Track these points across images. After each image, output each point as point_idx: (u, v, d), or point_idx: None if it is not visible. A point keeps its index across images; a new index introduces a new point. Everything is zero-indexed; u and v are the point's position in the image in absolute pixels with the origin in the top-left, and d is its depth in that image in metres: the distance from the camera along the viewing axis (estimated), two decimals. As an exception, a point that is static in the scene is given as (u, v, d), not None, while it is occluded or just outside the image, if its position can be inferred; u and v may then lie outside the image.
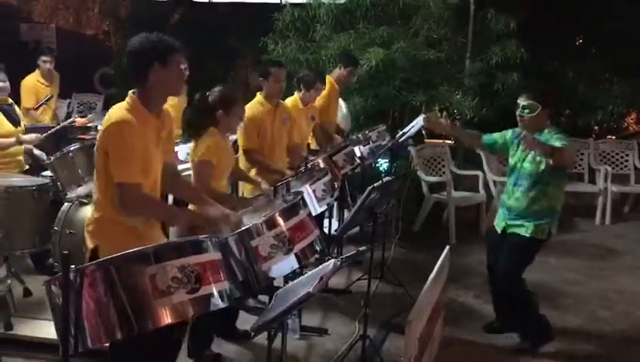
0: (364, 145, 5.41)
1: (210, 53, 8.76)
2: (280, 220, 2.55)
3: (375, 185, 3.55)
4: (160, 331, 2.01)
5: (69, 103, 9.41)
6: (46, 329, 3.30)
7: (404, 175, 4.99)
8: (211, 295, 2.04)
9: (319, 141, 5.38)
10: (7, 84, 4.74)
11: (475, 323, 4.21)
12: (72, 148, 4.28)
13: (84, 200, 4.13)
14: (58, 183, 4.24)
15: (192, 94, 3.56)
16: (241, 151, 4.22)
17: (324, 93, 5.25)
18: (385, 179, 3.79)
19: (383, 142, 5.61)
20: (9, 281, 3.70)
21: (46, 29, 10.81)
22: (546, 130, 3.69)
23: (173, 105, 3.98)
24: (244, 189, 4.18)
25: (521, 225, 3.74)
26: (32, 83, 6.46)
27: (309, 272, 2.43)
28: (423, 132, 7.01)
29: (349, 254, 2.49)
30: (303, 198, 2.87)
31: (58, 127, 5.39)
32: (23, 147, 4.71)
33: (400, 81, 6.64)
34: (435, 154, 6.82)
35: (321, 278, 2.04)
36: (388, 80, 6.61)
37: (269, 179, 3.90)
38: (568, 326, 4.24)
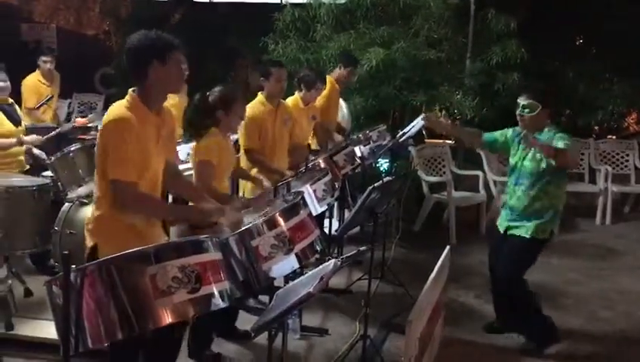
0: (364, 145, 5.41)
1: (211, 53, 8.76)
2: (280, 220, 2.56)
3: (375, 185, 3.55)
4: (160, 331, 2.01)
5: (70, 103, 9.39)
6: (47, 330, 3.30)
7: (405, 175, 4.99)
8: (212, 295, 2.03)
9: (320, 140, 5.38)
10: (8, 83, 4.74)
11: (475, 324, 4.21)
12: (72, 149, 4.28)
13: (85, 201, 4.12)
14: (59, 183, 4.24)
15: (192, 94, 3.56)
16: (242, 151, 4.23)
17: (324, 92, 5.24)
18: (385, 179, 3.79)
19: (384, 142, 5.61)
20: (10, 281, 3.71)
21: (47, 29, 10.80)
22: (546, 129, 3.69)
23: (175, 104, 3.99)
24: (245, 189, 4.19)
25: (522, 226, 3.73)
26: (34, 82, 6.46)
27: (310, 272, 2.43)
28: (424, 132, 7.00)
29: (349, 254, 2.49)
30: (303, 198, 2.87)
31: (59, 129, 5.39)
32: (24, 147, 4.71)
33: (400, 81, 6.64)
34: (436, 154, 6.82)
35: (322, 278, 2.04)
36: (388, 80, 6.61)
37: (269, 179, 3.91)
38: (569, 326, 4.23)
